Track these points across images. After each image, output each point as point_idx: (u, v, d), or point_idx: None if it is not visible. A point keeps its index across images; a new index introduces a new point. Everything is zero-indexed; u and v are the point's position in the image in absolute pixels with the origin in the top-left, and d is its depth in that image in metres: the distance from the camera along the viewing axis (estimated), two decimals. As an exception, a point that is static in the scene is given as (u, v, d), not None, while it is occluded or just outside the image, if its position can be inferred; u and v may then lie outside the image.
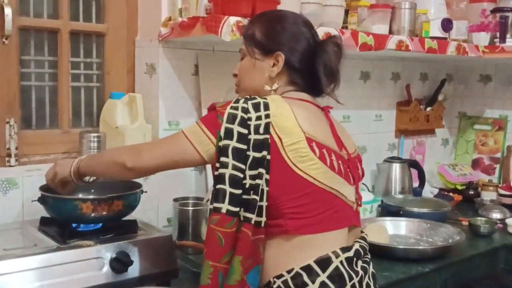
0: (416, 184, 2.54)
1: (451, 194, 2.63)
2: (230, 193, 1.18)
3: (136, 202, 1.55)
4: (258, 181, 1.18)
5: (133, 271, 1.41)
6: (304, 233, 1.21)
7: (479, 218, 2.22)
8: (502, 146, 2.85)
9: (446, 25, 2.36)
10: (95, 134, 1.79)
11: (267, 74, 1.33)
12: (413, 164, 2.57)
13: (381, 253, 1.78)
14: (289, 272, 1.20)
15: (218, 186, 1.19)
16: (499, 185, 2.61)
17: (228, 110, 1.21)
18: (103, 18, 1.96)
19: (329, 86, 1.34)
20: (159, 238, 1.49)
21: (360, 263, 1.28)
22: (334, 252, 1.22)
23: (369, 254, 1.36)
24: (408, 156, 2.78)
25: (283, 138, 1.20)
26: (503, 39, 2.50)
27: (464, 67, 2.98)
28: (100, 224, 1.51)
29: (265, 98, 1.25)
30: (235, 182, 1.19)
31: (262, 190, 1.18)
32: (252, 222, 1.18)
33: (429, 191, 2.63)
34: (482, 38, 2.53)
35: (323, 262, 1.21)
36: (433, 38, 2.28)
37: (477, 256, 1.98)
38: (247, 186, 1.19)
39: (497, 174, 2.83)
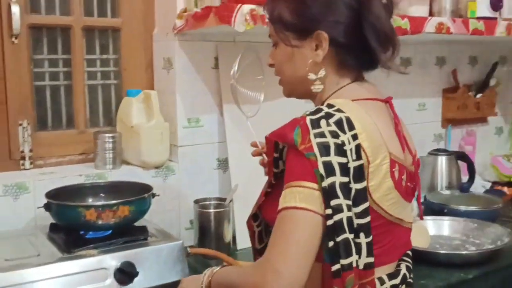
0: (465, 178, 2.34)
1: (505, 188, 2.41)
2: (354, 241, 0.96)
3: (146, 207, 1.46)
4: (367, 219, 0.97)
5: (140, 282, 1.32)
6: None
7: (535, 216, 2.02)
8: None
9: (495, 3, 2.13)
10: (109, 135, 1.72)
11: (311, 60, 1.08)
12: (461, 156, 2.36)
13: (419, 259, 1.62)
14: None
15: (340, 238, 0.94)
16: (560, 178, 2.37)
17: (314, 140, 0.95)
18: (118, 12, 1.87)
19: (386, 54, 1.08)
20: (168, 246, 1.39)
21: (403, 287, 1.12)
22: (379, 279, 1.05)
23: (412, 273, 1.17)
24: (457, 147, 2.57)
25: (371, 160, 0.99)
26: (562, 15, 2.24)
27: (519, 48, 2.73)
28: (110, 231, 1.44)
29: (341, 111, 1.00)
30: (351, 225, 0.95)
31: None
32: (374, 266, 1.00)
33: (480, 186, 2.42)
34: (539, 16, 2.28)
35: None
36: (479, 18, 2.07)
37: (531, 260, 1.78)
38: (355, 226, 0.96)
39: (558, 165, 2.58)
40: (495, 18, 2.14)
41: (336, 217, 0.94)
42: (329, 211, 0.94)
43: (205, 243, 1.72)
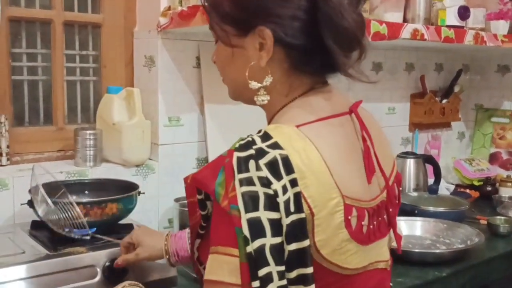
0: (431, 180, 2.42)
1: (467, 190, 2.51)
2: None
3: (132, 205, 1.45)
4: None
5: (129, 279, 1.30)
6: None
7: (498, 217, 2.10)
8: (521, 140, 2.72)
9: (463, 13, 2.23)
10: (91, 131, 1.70)
11: (252, 63, 0.85)
12: (428, 159, 2.44)
13: (394, 257, 1.67)
14: None
15: None
16: (518, 181, 2.48)
17: (240, 189, 0.75)
18: (99, 8, 1.85)
19: (347, 58, 0.84)
20: (156, 243, 1.39)
21: None
22: None
23: None
24: (423, 151, 2.66)
25: (315, 212, 0.78)
26: (523, 27, 2.37)
27: (481, 57, 2.85)
28: (94, 229, 1.42)
29: (278, 146, 0.78)
30: None
31: None
32: None
33: (445, 188, 2.51)
34: (501, 27, 2.39)
35: None
36: (449, 26, 2.15)
37: (496, 258, 1.86)
38: None
39: (516, 169, 2.71)
40: (462, 27, 2.23)
41: None
42: (256, 283, 0.74)
43: (185, 242, 1.71)
